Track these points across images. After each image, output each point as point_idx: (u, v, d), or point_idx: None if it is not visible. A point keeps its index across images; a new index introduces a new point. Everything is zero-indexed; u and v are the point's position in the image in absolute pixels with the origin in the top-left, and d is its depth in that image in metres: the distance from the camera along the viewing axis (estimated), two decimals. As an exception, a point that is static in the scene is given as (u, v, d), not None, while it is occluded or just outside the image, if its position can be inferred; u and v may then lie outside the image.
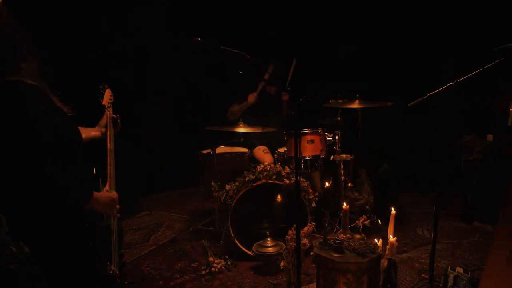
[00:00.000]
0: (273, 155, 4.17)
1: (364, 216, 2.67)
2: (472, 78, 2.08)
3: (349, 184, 3.67)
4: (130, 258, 3.47)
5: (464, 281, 2.77)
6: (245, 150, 4.10)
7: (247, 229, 3.46)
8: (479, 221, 3.91)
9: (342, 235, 2.63)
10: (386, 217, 2.74)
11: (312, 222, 3.05)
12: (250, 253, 3.29)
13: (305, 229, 2.56)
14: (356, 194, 3.69)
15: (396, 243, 2.67)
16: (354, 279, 2.40)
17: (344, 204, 2.63)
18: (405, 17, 4.67)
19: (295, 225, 2.65)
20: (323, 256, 2.44)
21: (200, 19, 4.76)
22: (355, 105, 3.68)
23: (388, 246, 2.62)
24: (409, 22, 4.65)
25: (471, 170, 3.85)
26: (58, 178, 1.47)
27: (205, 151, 4.05)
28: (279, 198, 3.44)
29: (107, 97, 2.17)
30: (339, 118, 4.12)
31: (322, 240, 2.56)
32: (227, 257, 3.36)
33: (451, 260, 3.35)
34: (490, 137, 4.01)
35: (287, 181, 3.31)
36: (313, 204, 3.37)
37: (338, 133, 3.61)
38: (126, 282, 2.07)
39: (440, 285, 2.84)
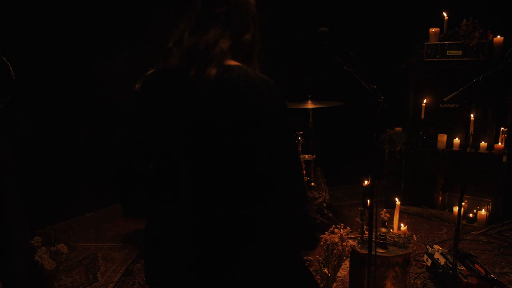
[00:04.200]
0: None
1: (384, 209, 2.76)
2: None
3: (312, 184, 3.72)
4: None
5: (450, 255, 3.13)
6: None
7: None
8: (403, 204, 4.46)
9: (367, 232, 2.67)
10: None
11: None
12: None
13: (344, 231, 2.51)
14: (315, 193, 3.76)
15: (409, 232, 2.84)
16: (401, 271, 2.47)
17: (368, 201, 2.66)
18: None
19: (333, 228, 2.56)
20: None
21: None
22: (308, 105, 3.76)
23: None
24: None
25: (398, 159, 4.36)
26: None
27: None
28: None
29: None
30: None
31: (358, 239, 2.55)
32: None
33: (407, 241, 3.73)
34: (399, 130, 4.58)
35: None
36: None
37: (301, 134, 3.61)
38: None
39: (428, 264, 3.14)
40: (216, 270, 1.14)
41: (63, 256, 2.51)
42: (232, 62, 1.15)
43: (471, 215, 4.10)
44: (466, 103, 2.38)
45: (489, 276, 2.86)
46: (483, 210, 4.06)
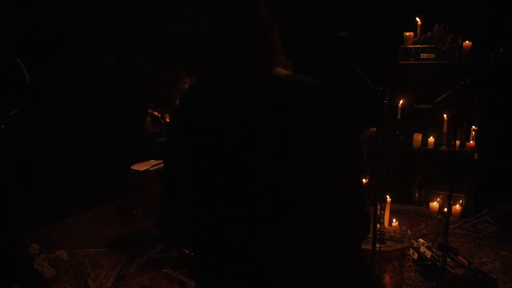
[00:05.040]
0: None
1: (378, 206, 2.86)
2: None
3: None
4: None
5: (435, 248, 3.29)
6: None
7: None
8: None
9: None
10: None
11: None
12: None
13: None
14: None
15: (404, 227, 2.98)
16: (398, 264, 2.58)
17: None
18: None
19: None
20: (369, 250, 2.53)
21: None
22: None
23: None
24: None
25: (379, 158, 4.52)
26: None
27: (139, 168, 3.50)
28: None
29: None
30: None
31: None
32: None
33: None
34: (374, 130, 4.75)
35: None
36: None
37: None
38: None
39: (415, 257, 3.28)
40: (217, 270, 1.15)
41: (62, 263, 2.45)
42: (278, 69, 1.13)
43: (446, 209, 4.31)
44: (455, 104, 2.51)
45: (472, 266, 3.04)
46: (457, 205, 4.28)
